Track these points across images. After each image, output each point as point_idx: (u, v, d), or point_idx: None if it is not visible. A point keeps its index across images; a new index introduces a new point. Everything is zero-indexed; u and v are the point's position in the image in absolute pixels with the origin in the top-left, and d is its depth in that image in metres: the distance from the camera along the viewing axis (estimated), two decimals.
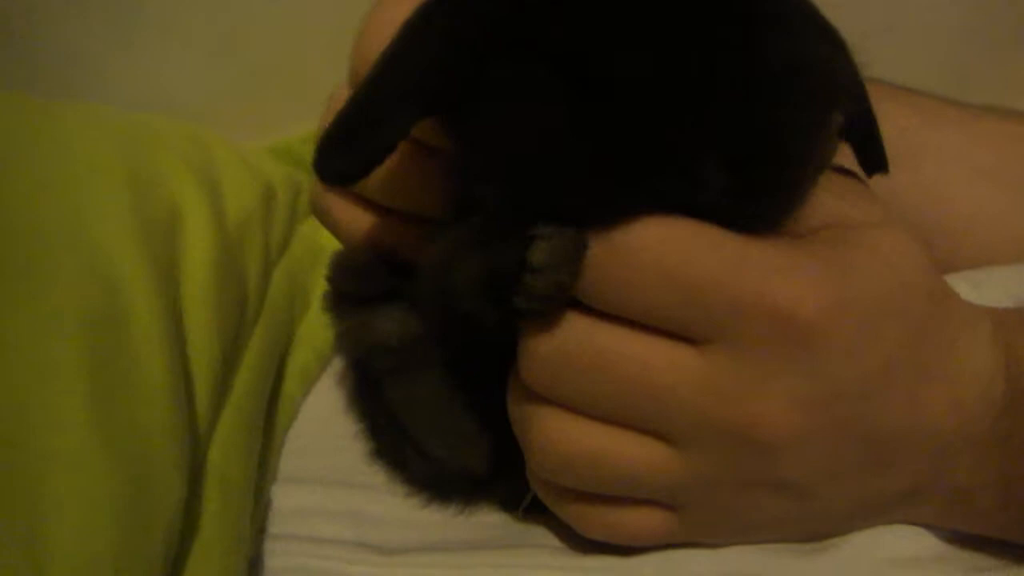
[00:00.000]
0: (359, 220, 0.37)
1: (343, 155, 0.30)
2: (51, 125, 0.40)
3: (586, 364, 0.30)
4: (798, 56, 0.28)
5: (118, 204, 0.36)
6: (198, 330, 0.36)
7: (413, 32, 0.30)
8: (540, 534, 0.36)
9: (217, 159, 0.44)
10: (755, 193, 0.28)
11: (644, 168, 0.27)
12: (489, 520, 0.38)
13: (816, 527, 0.33)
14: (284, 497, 0.39)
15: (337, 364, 0.44)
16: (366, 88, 0.31)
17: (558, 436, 0.31)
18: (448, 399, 0.35)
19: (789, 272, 0.29)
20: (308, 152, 0.53)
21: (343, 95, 0.39)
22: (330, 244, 0.49)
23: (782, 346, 0.29)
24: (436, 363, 0.35)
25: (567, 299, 0.29)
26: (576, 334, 0.30)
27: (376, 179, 0.32)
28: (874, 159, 0.33)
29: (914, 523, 0.34)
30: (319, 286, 0.47)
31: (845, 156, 0.33)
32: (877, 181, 0.34)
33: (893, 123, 0.33)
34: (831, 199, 0.30)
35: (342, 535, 0.37)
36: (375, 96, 0.30)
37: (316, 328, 0.45)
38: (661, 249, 0.28)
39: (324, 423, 0.42)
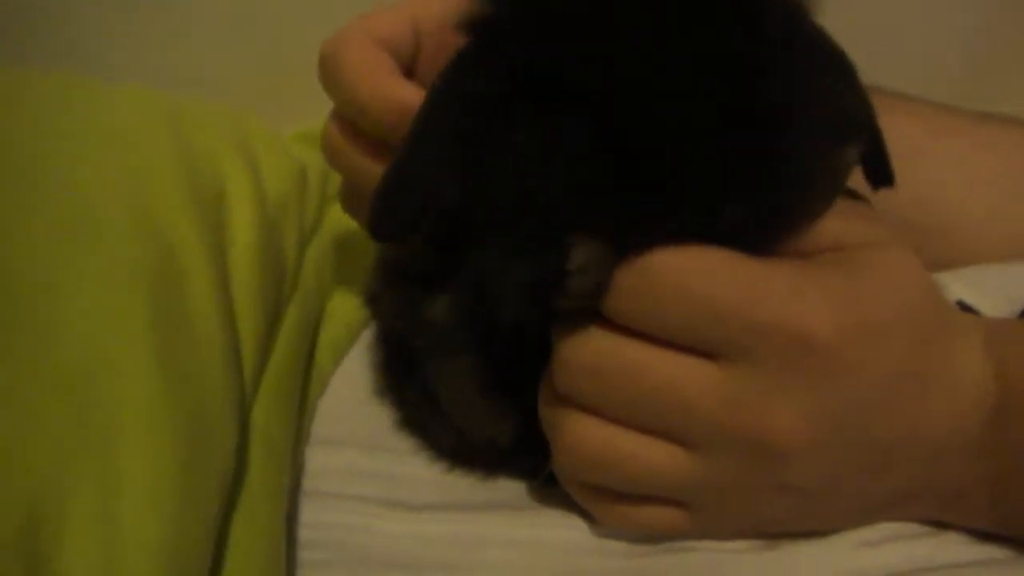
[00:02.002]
0: None
1: (389, 219, 0.33)
2: (100, 99, 0.42)
3: (615, 375, 0.32)
4: (814, 93, 0.30)
5: (169, 174, 0.38)
6: (244, 299, 0.38)
7: (439, 99, 0.33)
8: (557, 500, 0.39)
9: (255, 141, 0.46)
10: (770, 223, 0.31)
11: (666, 202, 0.29)
12: (509, 485, 0.40)
13: (816, 524, 0.36)
14: (315, 459, 0.41)
15: (366, 337, 0.47)
16: (402, 158, 0.34)
17: (586, 439, 0.34)
18: (481, 379, 0.38)
19: (805, 297, 0.31)
20: None
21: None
22: (358, 227, 0.52)
23: (797, 365, 0.31)
24: (473, 348, 0.37)
25: (599, 302, 0.32)
26: (606, 347, 0.32)
27: None
28: (881, 174, 0.35)
29: (909, 520, 0.36)
30: (348, 266, 0.50)
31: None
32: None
33: (897, 132, 0.35)
34: (837, 221, 0.33)
35: (371, 492, 0.39)
36: (409, 167, 0.33)
37: (346, 305, 0.48)
38: (684, 275, 0.31)
39: (353, 392, 0.44)
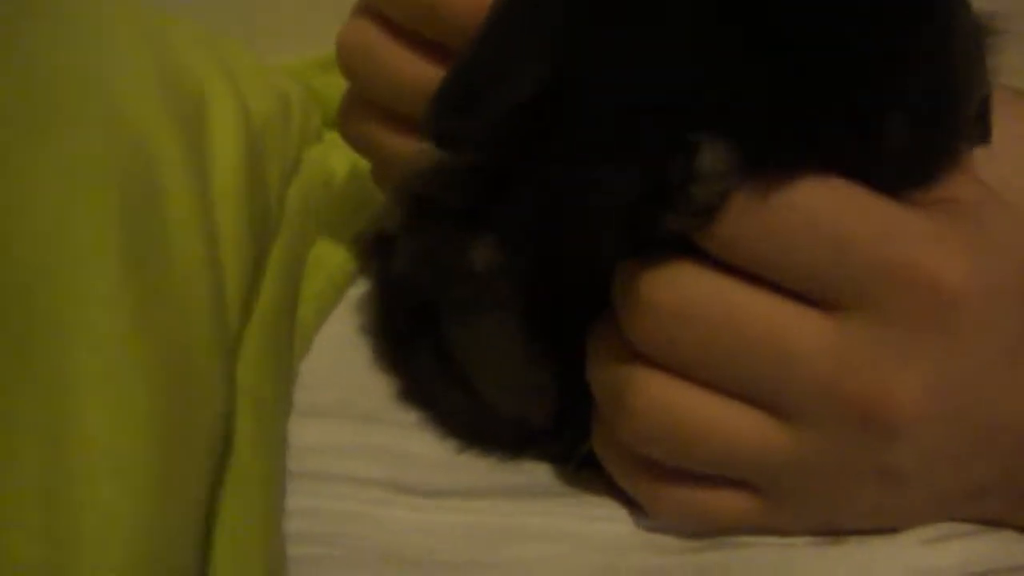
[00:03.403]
0: (402, 144, 0.34)
1: (462, 115, 0.28)
2: (80, 10, 0.35)
3: (710, 321, 0.28)
4: (975, 24, 0.28)
5: (150, 88, 0.32)
6: (229, 228, 0.32)
7: None
8: (594, 486, 0.34)
9: (237, 61, 0.40)
10: (926, 153, 0.28)
11: (818, 107, 0.25)
12: (535, 468, 0.35)
13: (893, 520, 0.32)
14: (302, 432, 0.34)
15: (353, 294, 0.40)
16: (487, 40, 0.28)
17: (663, 402, 0.29)
18: (519, 344, 0.32)
19: (943, 241, 0.28)
20: (317, 80, 0.51)
21: (364, 5, 0.36)
22: (340, 169, 0.46)
23: (925, 318, 0.28)
24: (512, 303, 0.32)
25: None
26: (703, 287, 0.28)
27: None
28: (980, 129, 0.32)
29: (976, 520, 0.33)
30: (330, 211, 0.44)
31: None
32: None
33: None
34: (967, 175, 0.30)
35: (371, 473, 0.33)
36: (499, 49, 0.28)
37: (329, 255, 0.41)
38: (813, 203, 0.27)
39: (342, 354, 0.38)
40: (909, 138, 0.26)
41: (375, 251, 0.36)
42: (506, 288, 0.31)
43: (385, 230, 0.34)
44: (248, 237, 0.33)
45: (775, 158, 0.26)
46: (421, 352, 0.35)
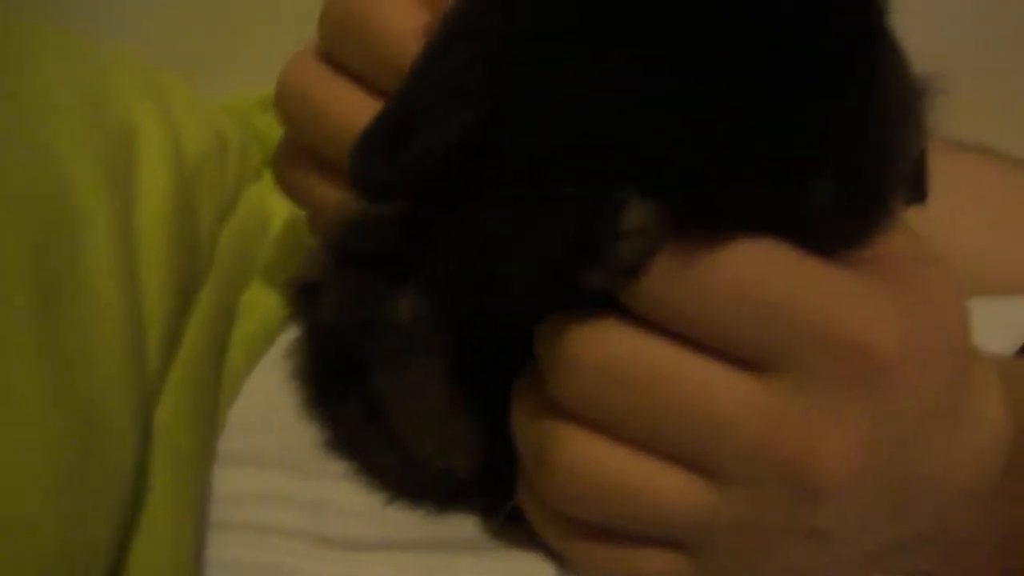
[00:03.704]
0: (335, 193, 0.34)
1: (382, 163, 0.27)
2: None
3: (636, 381, 0.27)
4: (909, 83, 0.28)
5: (71, 108, 0.31)
6: (151, 261, 0.31)
7: (466, 18, 0.27)
8: (519, 539, 0.33)
9: (174, 96, 0.39)
10: (856, 212, 0.27)
11: (750, 176, 0.25)
12: (463, 521, 0.34)
13: (824, 573, 0.31)
14: (225, 480, 0.34)
15: (284, 341, 0.39)
16: (411, 88, 0.27)
17: (588, 461, 0.28)
18: (444, 394, 0.32)
19: (872, 303, 0.27)
20: (259, 119, 0.50)
21: (306, 52, 0.36)
22: (277, 210, 0.45)
23: (853, 381, 0.27)
24: (438, 354, 0.31)
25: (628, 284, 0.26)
26: (629, 345, 0.27)
27: None
28: (917, 188, 0.32)
29: (910, 571, 0.33)
30: (265, 254, 0.43)
31: None
32: None
33: None
34: (898, 233, 0.30)
35: (293, 524, 0.32)
36: (423, 94, 0.27)
37: (263, 299, 0.41)
38: (739, 265, 0.27)
39: (271, 402, 0.37)
40: (837, 198, 0.26)
41: (303, 298, 0.35)
42: (431, 339, 0.31)
43: (312, 278, 0.33)
44: (174, 279, 0.32)
45: (702, 217, 0.26)
46: (349, 401, 0.34)
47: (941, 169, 0.48)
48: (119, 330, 0.27)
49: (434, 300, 0.30)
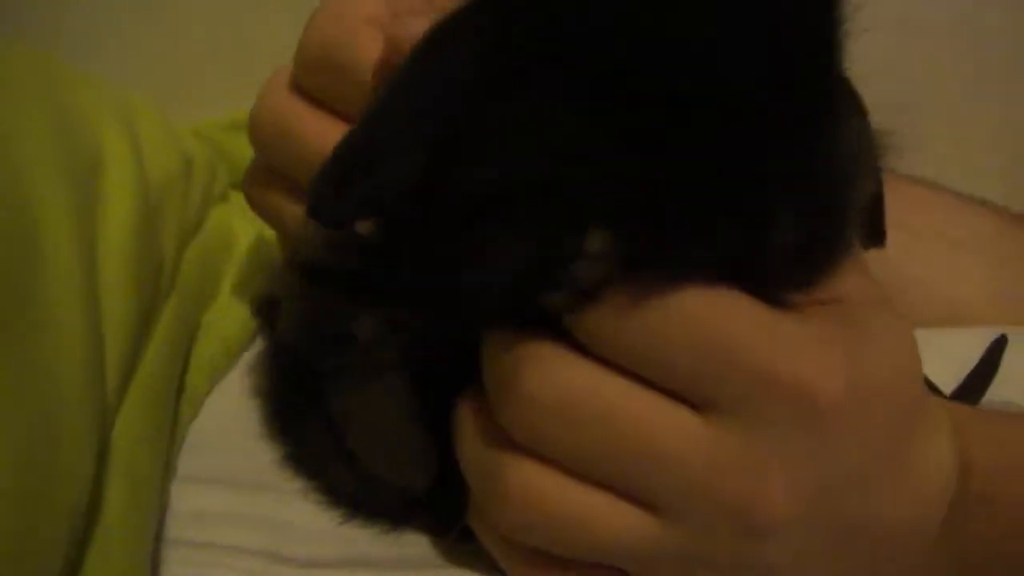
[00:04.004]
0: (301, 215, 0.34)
1: (336, 196, 0.28)
2: None
3: (584, 415, 0.28)
4: (866, 126, 0.28)
5: (38, 128, 0.31)
6: (113, 284, 0.31)
7: (424, 57, 0.28)
8: (472, 558, 0.33)
9: (142, 119, 0.40)
10: (813, 252, 0.28)
11: (710, 214, 0.26)
12: (417, 539, 0.34)
13: None
14: (183, 498, 0.34)
15: (246, 360, 0.40)
16: (368, 122, 0.28)
17: (538, 493, 0.29)
18: (401, 413, 0.32)
19: (819, 349, 0.28)
20: (227, 141, 0.51)
21: (280, 81, 0.37)
22: (243, 231, 0.46)
23: (797, 425, 0.28)
24: (394, 372, 0.32)
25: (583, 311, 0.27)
26: (578, 380, 0.28)
27: None
28: (875, 232, 0.33)
29: None
30: (229, 274, 0.44)
31: None
32: None
33: None
34: (851, 277, 0.30)
35: (250, 543, 0.33)
36: (379, 131, 0.28)
37: (225, 319, 0.41)
38: (691, 308, 0.27)
39: (231, 420, 0.37)
40: (795, 237, 0.26)
41: (267, 315, 0.35)
42: (389, 357, 0.31)
43: (275, 294, 0.34)
44: (134, 301, 0.32)
45: (660, 254, 0.26)
46: (308, 419, 0.35)
47: (894, 200, 0.50)
48: (79, 349, 0.27)
49: (393, 319, 0.30)
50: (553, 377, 0.28)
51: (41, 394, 0.25)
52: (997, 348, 0.43)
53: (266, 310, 0.35)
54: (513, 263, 0.26)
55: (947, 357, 0.42)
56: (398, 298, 0.30)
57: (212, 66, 0.59)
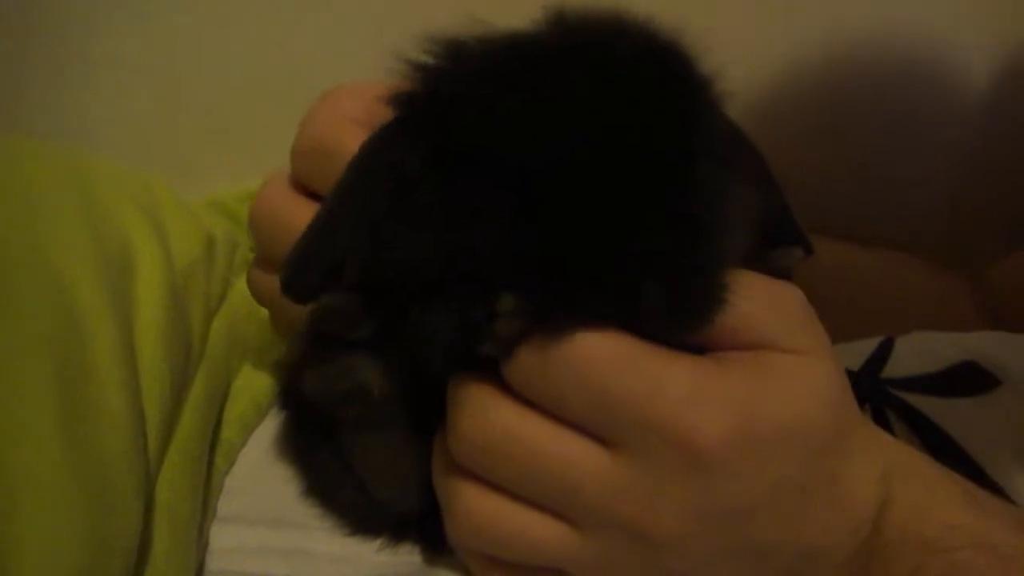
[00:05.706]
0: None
1: (302, 278, 0.35)
2: (5, 156, 0.40)
3: (508, 451, 0.33)
4: (732, 195, 0.32)
5: (76, 234, 0.37)
6: (149, 366, 0.37)
7: (360, 166, 0.35)
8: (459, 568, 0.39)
9: (164, 205, 0.45)
10: (683, 309, 0.31)
11: (585, 277, 0.30)
12: (413, 552, 0.40)
13: None
14: (221, 537, 0.40)
15: (275, 412, 0.46)
16: (321, 216, 0.35)
17: (476, 509, 0.34)
18: (402, 451, 0.38)
19: (699, 401, 0.32)
20: (242, 211, 0.56)
21: (277, 179, 0.43)
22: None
23: (680, 467, 0.32)
24: (399, 419, 0.38)
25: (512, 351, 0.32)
26: (503, 420, 0.33)
27: None
28: (799, 240, 0.37)
29: None
30: (255, 339, 0.49)
31: None
32: None
33: None
34: (771, 323, 0.33)
35: (275, 570, 0.39)
36: (328, 224, 0.35)
37: (254, 380, 0.47)
38: (584, 358, 0.32)
39: (261, 468, 0.43)
40: (666, 301, 0.30)
41: (288, 377, 0.41)
42: (394, 408, 0.37)
43: (295, 360, 0.40)
44: (168, 376, 0.38)
45: (560, 310, 0.31)
46: (323, 454, 0.40)
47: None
48: (125, 426, 0.33)
49: (394, 376, 0.36)
50: (481, 418, 0.33)
51: (100, 468, 0.31)
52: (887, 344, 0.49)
53: (289, 372, 0.41)
54: (448, 325, 0.32)
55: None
56: (393, 359, 0.36)
57: (218, 140, 0.63)
